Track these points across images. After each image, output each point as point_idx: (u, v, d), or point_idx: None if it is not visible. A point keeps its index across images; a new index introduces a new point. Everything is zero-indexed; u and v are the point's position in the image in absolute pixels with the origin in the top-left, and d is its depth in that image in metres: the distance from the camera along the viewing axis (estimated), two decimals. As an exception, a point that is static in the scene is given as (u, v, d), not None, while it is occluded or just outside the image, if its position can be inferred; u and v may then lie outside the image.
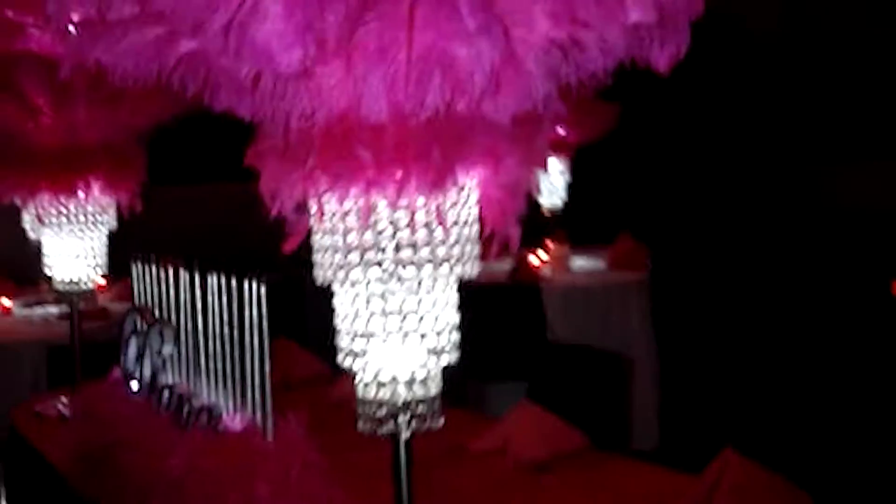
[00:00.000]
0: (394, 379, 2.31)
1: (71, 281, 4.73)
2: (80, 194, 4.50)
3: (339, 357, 2.34)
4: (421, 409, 2.34)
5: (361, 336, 2.30)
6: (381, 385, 2.32)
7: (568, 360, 4.95)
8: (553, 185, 8.08)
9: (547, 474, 3.82)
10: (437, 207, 2.23)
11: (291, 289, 5.86)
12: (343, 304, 2.32)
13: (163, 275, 3.90)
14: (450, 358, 2.34)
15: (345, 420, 2.59)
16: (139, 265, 4.11)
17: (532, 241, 7.82)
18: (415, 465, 2.43)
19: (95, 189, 4.53)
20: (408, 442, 2.38)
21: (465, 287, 2.35)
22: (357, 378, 2.34)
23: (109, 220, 4.65)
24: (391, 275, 2.24)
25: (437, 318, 2.32)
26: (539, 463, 3.89)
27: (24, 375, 6.10)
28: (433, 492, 2.94)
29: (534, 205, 7.14)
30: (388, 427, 2.33)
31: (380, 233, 2.23)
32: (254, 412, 3.25)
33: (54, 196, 4.49)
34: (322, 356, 5.08)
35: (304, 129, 2.17)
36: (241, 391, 3.33)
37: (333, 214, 2.26)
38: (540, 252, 7.99)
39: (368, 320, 2.29)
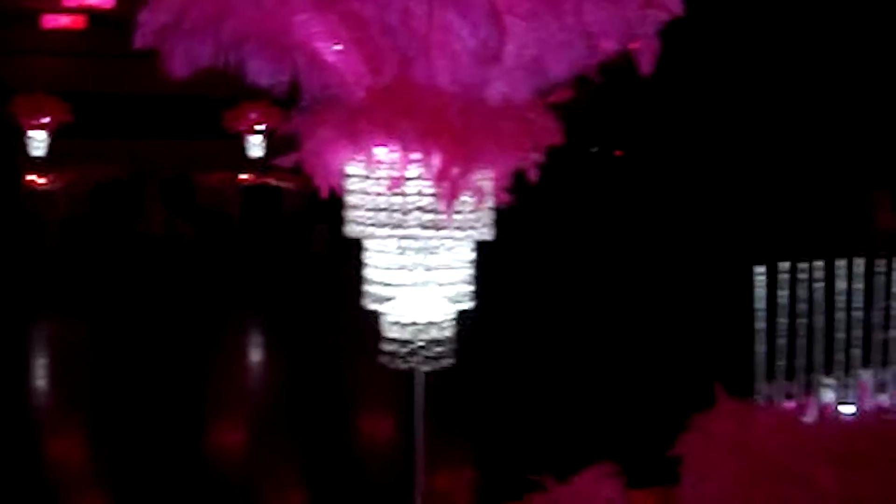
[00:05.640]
0: (414, 322, 2.70)
1: None
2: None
3: (366, 301, 2.74)
4: (437, 349, 2.71)
5: (388, 283, 2.69)
6: (403, 326, 2.71)
7: None
8: None
9: None
10: (465, 178, 2.58)
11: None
12: (372, 256, 2.72)
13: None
14: (464, 305, 2.70)
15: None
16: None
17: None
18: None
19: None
20: (424, 377, 2.76)
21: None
22: (382, 319, 2.74)
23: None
24: (414, 237, 2.62)
25: (454, 272, 2.68)
26: None
27: None
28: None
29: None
30: (409, 362, 2.71)
31: (404, 198, 2.61)
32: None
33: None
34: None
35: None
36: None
37: (364, 178, 2.65)
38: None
39: (394, 272, 2.68)
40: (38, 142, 14.27)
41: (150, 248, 13.37)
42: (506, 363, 8.54)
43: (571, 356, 8.82)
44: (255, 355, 10.08)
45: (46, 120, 14.19)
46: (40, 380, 8.79)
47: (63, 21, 16.61)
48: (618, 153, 13.82)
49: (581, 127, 13.87)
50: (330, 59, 2.57)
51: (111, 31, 14.35)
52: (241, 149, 15.34)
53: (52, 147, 14.33)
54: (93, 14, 16.33)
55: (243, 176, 15.31)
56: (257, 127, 15.01)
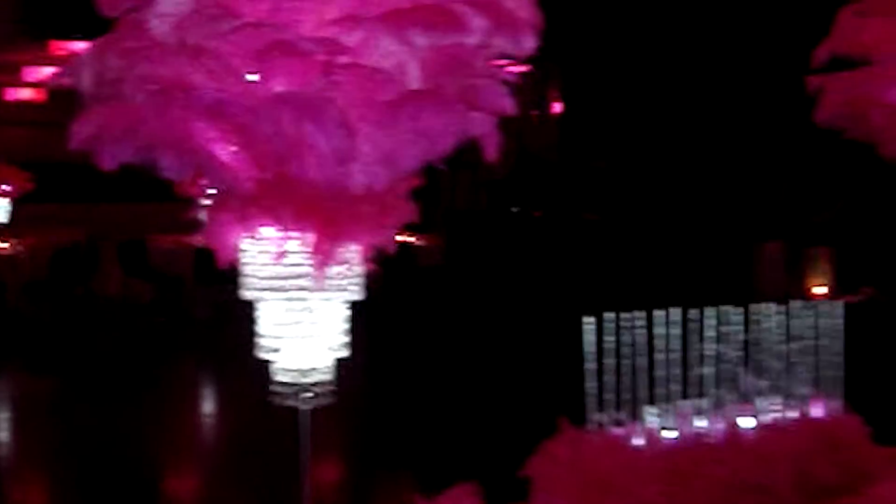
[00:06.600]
0: (299, 368, 3.34)
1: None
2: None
3: (258, 350, 3.38)
4: (318, 389, 3.35)
5: (276, 336, 3.34)
6: (288, 371, 3.35)
7: None
8: None
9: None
10: (334, 251, 3.24)
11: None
12: (262, 313, 3.36)
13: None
14: (340, 353, 3.36)
15: None
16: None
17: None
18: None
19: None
20: (305, 413, 3.40)
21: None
22: (272, 365, 3.38)
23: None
24: (295, 298, 3.27)
25: (330, 326, 3.33)
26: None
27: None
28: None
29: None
30: (293, 401, 3.36)
31: (287, 268, 3.27)
32: None
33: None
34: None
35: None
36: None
37: (254, 252, 3.30)
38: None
39: (281, 327, 3.33)
40: (1, 209, 14.79)
41: (108, 308, 13.94)
42: (380, 401, 9.72)
43: (440, 390, 9.88)
44: (206, 407, 10.66)
45: (9, 188, 14.73)
46: (1, 433, 9.30)
47: (24, 94, 17.23)
48: (537, 214, 14.74)
49: (503, 189, 14.99)
50: (224, 158, 3.23)
51: (69, 103, 14.90)
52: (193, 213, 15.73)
53: (14, 213, 14.86)
54: (52, 88, 16.85)
55: (195, 239, 15.79)
56: (208, 192, 15.51)
